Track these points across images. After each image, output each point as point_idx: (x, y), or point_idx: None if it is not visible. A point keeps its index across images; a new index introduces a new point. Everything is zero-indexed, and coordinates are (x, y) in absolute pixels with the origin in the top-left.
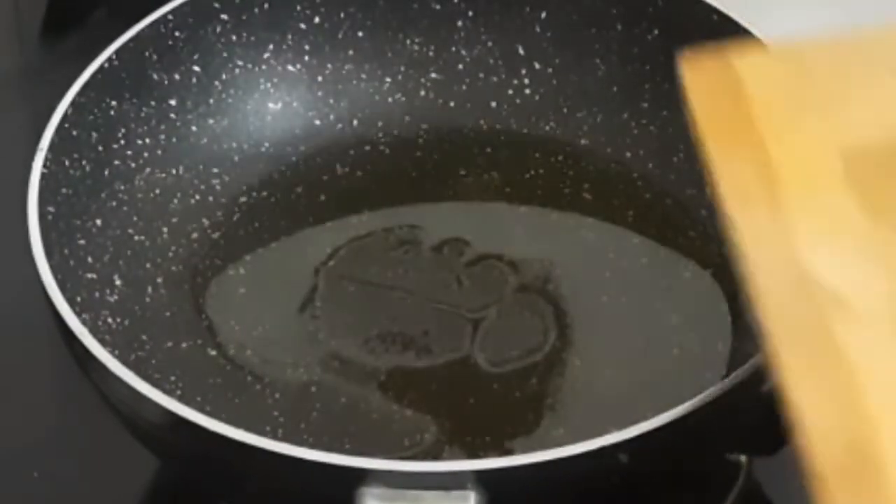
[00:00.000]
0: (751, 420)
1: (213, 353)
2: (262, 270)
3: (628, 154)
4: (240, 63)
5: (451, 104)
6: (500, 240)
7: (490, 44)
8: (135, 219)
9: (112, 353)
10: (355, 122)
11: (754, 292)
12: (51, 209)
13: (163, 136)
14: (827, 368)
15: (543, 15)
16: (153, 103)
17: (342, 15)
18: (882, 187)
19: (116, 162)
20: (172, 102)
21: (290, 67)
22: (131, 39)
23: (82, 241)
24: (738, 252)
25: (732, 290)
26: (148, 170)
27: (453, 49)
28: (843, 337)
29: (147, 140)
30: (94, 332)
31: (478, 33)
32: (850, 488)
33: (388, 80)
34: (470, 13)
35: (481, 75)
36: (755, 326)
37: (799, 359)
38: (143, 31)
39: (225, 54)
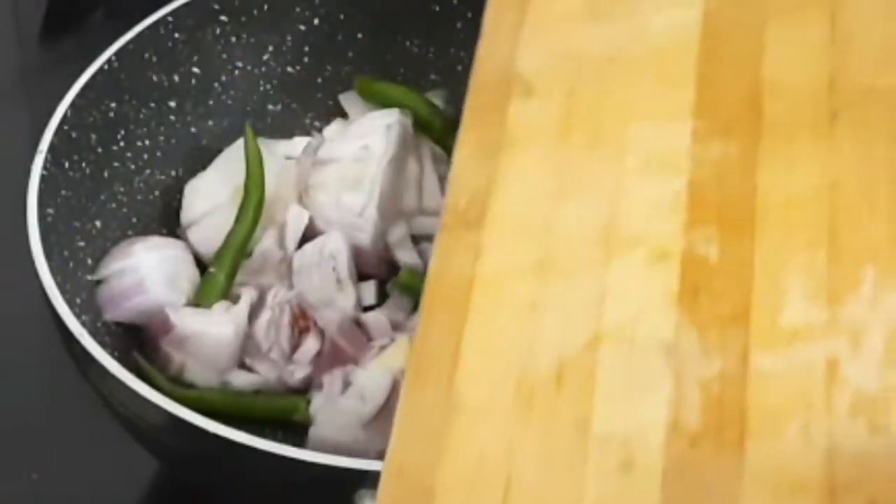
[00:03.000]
0: None
1: None
2: None
3: None
4: (239, 64)
5: (451, 104)
6: None
7: None
8: (134, 220)
9: (111, 354)
10: None
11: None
12: (50, 211)
13: (162, 138)
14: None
15: None
16: (153, 105)
17: (342, 16)
18: None
19: (116, 164)
20: (172, 104)
21: (289, 68)
22: (131, 41)
23: (82, 243)
24: None
25: None
26: (148, 171)
27: (453, 50)
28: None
29: (147, 142)
30: (94, 333)
31: (477, 34)
32: None
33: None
34: (469, 14)
35: None
36: None
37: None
38: (142, 32)
39: (224, 56)
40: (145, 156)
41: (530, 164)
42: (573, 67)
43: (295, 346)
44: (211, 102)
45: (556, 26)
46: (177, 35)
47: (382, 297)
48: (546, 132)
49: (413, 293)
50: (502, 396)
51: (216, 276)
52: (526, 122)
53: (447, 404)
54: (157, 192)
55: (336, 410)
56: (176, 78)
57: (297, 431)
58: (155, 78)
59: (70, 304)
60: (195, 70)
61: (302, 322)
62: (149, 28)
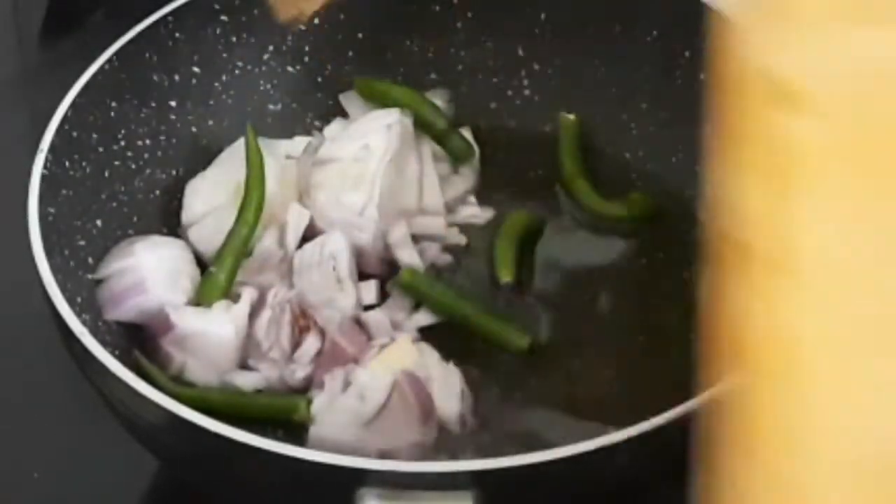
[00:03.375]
0: None
1: None
2: None
3: (627, 154)
4: (240, 64)
5: (451, 104)
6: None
7: (489, 45)
8: (135, 220)
9: (112, 353)
10: None
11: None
12: (51, 210)
13: (163, 138)
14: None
15: (543, 16)
16: (153, 104)
17: (342, 16)
18: None
19: (116, 163)
20: (172, 103)
21: (289, 68)
22: (131, 41)
23: (82, 242)
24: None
25: None
26: (148, 171)
27: (453, 50)
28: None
29: (147, 141)
30: (94, 332)
31: (477, 34)
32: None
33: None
34: (469, 14)
35: (481, 76)
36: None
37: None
38: (143, 32)
39: (225, 55)
40: (146, 155)
41: (831, 199)
42: (853, 78)
43: (295, 346)
44: (211, 102)
45: (825, 26)
46: (177, 35)
47: (383, 296)
48: (839, 159)
49: (413, 293)
50: (850, 486)
51: (216, 276)
52: (809, 143)
53: (785, 487)
54: (157, 192)
55: (336, 410)
56: (176, 78)
57: (297, 431)
58: (155, 78)
59: (71, 303)
60: (195, 70)
61: (302, 321)
62: (149, 28)
